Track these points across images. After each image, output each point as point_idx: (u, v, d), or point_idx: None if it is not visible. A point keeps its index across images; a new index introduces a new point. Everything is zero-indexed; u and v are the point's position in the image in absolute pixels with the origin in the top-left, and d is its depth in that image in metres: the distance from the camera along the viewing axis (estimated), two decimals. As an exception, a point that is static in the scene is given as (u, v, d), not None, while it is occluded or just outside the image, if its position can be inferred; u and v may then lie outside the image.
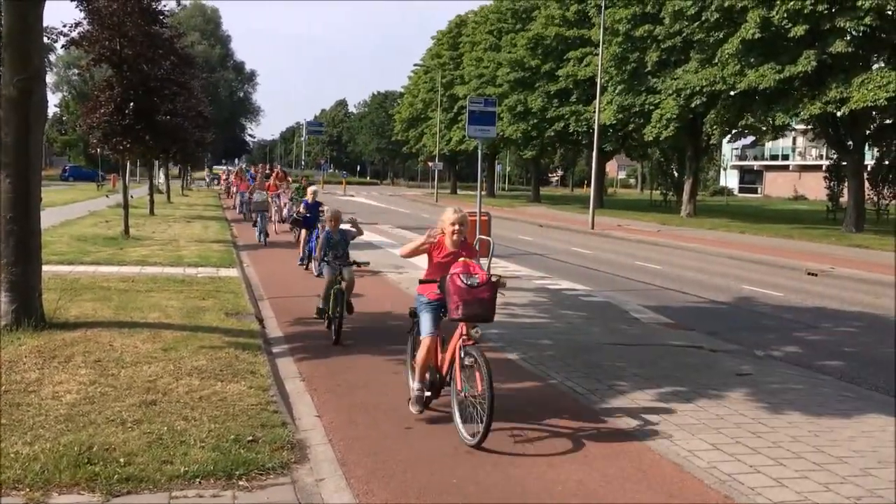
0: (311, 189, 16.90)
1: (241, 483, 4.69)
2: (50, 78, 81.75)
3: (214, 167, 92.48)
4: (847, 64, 28.15)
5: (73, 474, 4.59)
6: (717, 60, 31.34)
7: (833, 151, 39.24)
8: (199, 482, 4.66)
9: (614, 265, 18.73)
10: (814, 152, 70.15)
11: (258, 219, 20.20)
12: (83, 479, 4.56)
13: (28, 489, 4.41)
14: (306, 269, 15.06)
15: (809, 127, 36.52)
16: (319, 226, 14.15)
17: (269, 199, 22.90)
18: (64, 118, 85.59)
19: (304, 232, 15.85)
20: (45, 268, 9.08)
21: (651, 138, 37.91)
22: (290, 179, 29.92)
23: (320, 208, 15.76)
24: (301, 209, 16.54)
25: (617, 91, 39.04)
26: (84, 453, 4.88)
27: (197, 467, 4.79)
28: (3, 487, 4.41)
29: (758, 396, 7.23)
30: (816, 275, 18.08)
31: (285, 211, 23.73)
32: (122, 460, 4.82)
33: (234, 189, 36.39)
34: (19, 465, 4.65)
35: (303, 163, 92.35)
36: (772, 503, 4.79)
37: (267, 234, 19.91)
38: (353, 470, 5.05)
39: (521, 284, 14.23)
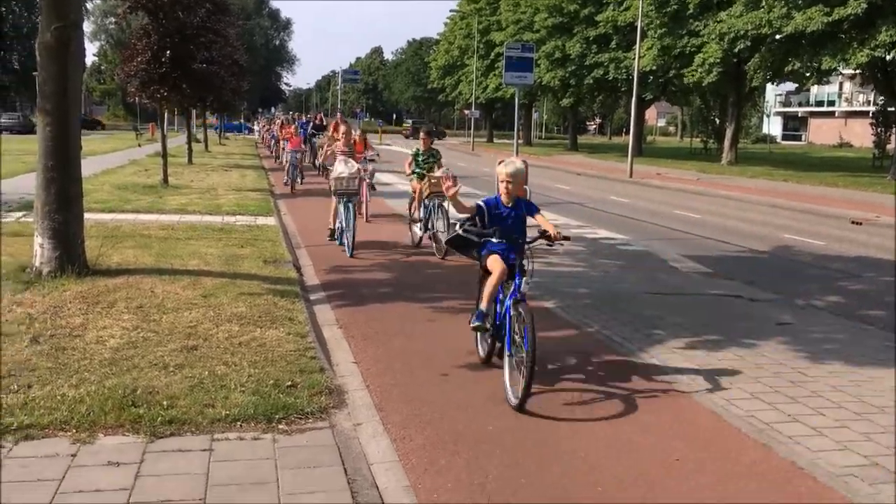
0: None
1: (280, 427, 4.77)
2: (87, 27, 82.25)
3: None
4: (899, 5, 27.13)
5: (117, 416, 4.70)
6: (762, 3, 30.36)
7: (881, 97, 38.07)
8: (240, 425, 4.74)
9: (653, 214, 18.51)
10: (860, 98, 68.14)
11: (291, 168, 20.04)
12: (127, 420, 4.67)
13: (75, 430, 4.53)
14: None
15: (857, 72, 35.43)
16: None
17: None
18: (102, 67, 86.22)
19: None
20: (86, 215, 9.20)
21: (692, 82, 37.08)
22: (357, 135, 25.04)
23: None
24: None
25: (658, 35, 38.13)
26: (128, 396, 4.99)
27: (237, 411, 4.88)
28: (51, 427, 4.54)
29: (798, 346, 7.14)
30: (860, 223, 17.70)
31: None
32: (164, 403, 4.92)
33: (281, 144, 28.68)
34: (66, 407, 4.77)
35: (339, 112, 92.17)
36: (811, 451, 4.75)
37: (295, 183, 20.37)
38: (390, 416, 5.11)
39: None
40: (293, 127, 25.72)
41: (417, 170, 11.86)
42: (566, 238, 5.83)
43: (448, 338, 7.00)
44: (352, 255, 10.84)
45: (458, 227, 5.97)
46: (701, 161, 41.71)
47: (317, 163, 23.60)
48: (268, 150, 39.10)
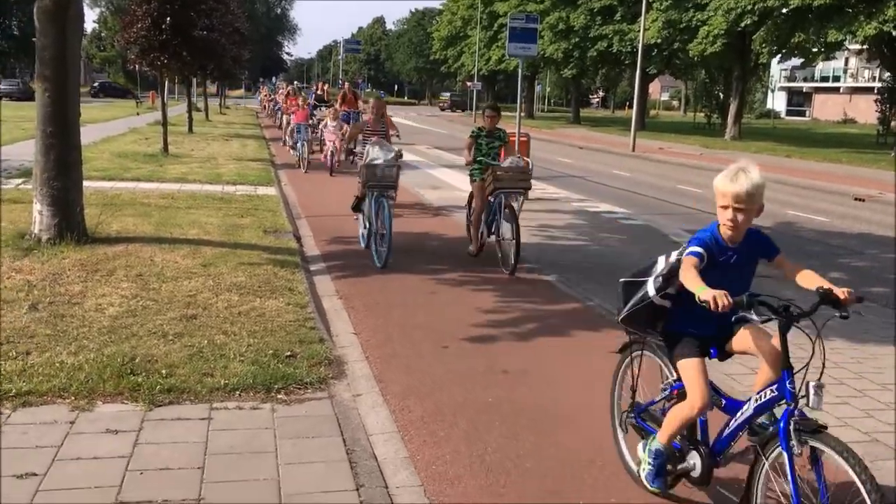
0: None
1: (279, 396, 4.76)
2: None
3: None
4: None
5: (116, 384, 4.69)
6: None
7: (887, 73, 37.78)
8: (239, 394, 4.73)
9: (655, 188, 18.43)
10: (866, 74, 67.61)
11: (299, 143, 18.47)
12: (126, 388, 4.65)
13: (73, 397, 4.52)
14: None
15: (864, 47, 35.11)
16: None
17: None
18: (102, 34, 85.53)
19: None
20: (86, 183, 9.16)
21: (696, 54, 36.77)
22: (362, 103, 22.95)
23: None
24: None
25: (663, 8, 37.76)
26: (127, 364, 4.97)
27: (237, 380, 4.87)
28: (49, 395, 4.53)
29: (800, 322, 7.10)
30: (864, 200, 17.63)
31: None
32: (163, 372, 4.91)
33: (283, 116, 26.88)
34: (65, 375, 4.76)
35: (340, 81, 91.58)
36: (811, 428, 4.73)
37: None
38: (390, 386, 5.09)
39: (560, 206, 14.08)
40: (299, 98, 22.55)
41: (481, 158, 9.01)
42: (860, 300, 3.39)
43: (449, 310, 6.98)
44: (384, 267, 8.42)
45: (650, 286, 3.61)
46: (704, 136, 41.49)
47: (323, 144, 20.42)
48: (269, 121, 38.81)
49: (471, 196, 9.39)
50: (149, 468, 3.81)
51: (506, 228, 8.73)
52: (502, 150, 9.27)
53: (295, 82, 44.12)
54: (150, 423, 4.28)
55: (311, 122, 19.82)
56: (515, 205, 8.76)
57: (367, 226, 9.11)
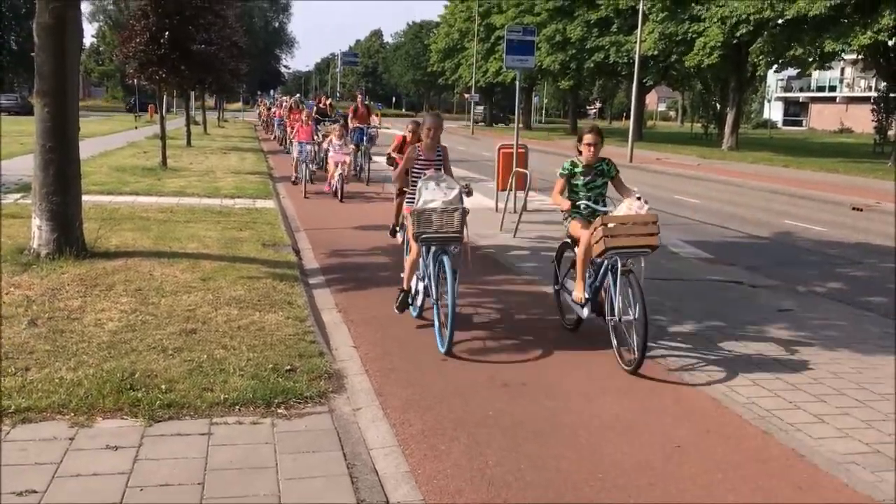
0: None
1: (279, 411, 4.75)
2: (85, 7, 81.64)
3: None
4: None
5: (116, 399, 4.68)
6: (765, -14, 30.17)
7: (883, 83, 37.91)
8: (239, 409, 4.72)
9: (653, 199, 18.30)
10: (862, 83, 67.84)
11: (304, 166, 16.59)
12: (126, 404, 4.64)
13: (73, 413, 4.51)
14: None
15: (859, 57, 35.27)
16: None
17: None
18: (101, 48, 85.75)
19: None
20: (85, 197, 9.15)
21: (693, 65, 36.91)
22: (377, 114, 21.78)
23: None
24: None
25: (659, 19, 37.91)
26: (126, 379, 4.96)
27: (236, 395, 4.86)
28: (48, 411, 4.51)
29: (799, 332, 7.12)
30: (861, 209, 17.65)
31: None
32: (163, 387, 4.90)
33: (286, 131, 25.16)
34: (64, 391, 4.74)
35: (338, 94, 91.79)
36: (812, 439, 4.73)
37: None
38: (390, 400, 5.08)
39: (558, 218, 14.05)
40: (303, 113, 19.55)
41: (583, 203, 6.61)
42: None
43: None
44: (448, 352, 6.06)
45: None
46: (701, 146, 41.56)
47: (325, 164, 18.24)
48: (266, 133, 38.68)
49: (562, 248, 7.19)
50: (149, 484, 3.80)
51: (624, 302, 6.03)
52: (618, 190, 6.75)
53: (297, 95, 37.25)
54: (150, 439, 4.27)
55: (315, 139, 17.85)
56: (635, 269, 6.07)
57: (419, 287, 6.95)
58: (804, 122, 78.04)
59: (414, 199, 6.56)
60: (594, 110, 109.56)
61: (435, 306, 6.44)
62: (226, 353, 5.61)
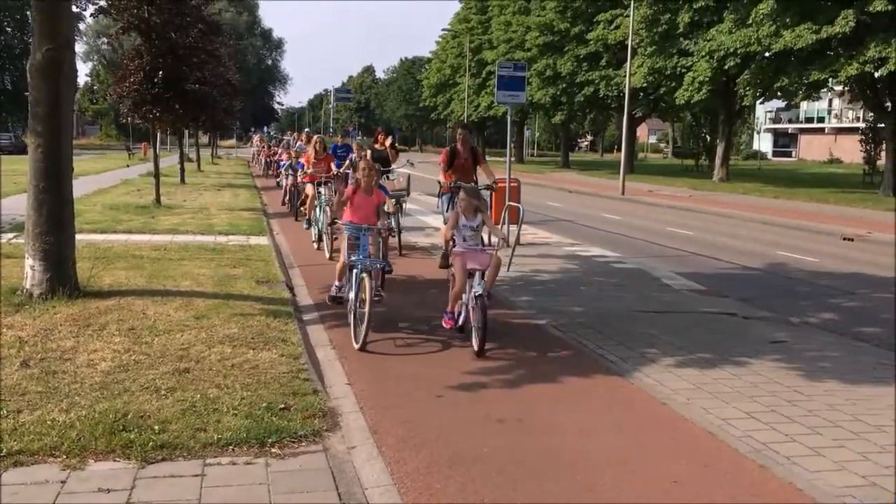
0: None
1: (273, 451, 4.72)
2: (80, 47, 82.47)
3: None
4: (887, 22, 27.33)
5: (108, 441, 4.64)
6: (751, 21, 30.60)
7: (870, 113, 38.33)
8: (232, 449, 4.69)
9: (645, 231, 18.53)
10: (850, 114, 68.55)
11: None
12: (118, 445, 4.61)
13: (65, 456, 4.47)
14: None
15: (846, 88, 35.70)
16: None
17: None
18: (95, 87, 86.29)
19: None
20: (78, 236, 9.15)
21: (683, 102, 37.33)
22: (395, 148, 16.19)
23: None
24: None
25: (648, 53, 38.39)
26: (119, 421, 4.93)
27: (230, 435, 4.83)
28: (40, 454, 4.48)
29: (793, 364, 7.12)
30: (853, 240, 17.75)
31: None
32: (156, 428, 4.87)
33: (286, 171, 20.92)
34: (56, 433, 4.71)
35: (331, 130, 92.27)
36: (808, 472, 4.72)
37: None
38: (385, 438, 5.06)
39: (551, 251, 14.13)
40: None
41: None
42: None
43: (443, 359, 6.96)
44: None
45: None
46: (692, 178, 41.83)
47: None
48: (258, 168, 38.63)
49: None
50: (142, 528, 3.76)
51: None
52: None
53: (311, 134, 21.96)
54: (143, 481, 4.24)
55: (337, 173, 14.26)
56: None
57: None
58: (793, 153, 78.73)
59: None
60: (585, 143, 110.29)
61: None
62: (219, 393, 5.58)
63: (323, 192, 13.68)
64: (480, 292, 6.98)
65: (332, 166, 15.03)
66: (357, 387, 6.12)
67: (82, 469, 4.36)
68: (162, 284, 9.38)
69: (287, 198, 20.08)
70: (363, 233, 7.73)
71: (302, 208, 16.57)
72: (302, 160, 16.56)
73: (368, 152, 13.73)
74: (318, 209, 12.45)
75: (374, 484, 4.40)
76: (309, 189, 14.64)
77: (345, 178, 13.81)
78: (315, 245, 13.81)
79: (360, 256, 7.66)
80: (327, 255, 12.40)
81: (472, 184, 9.26)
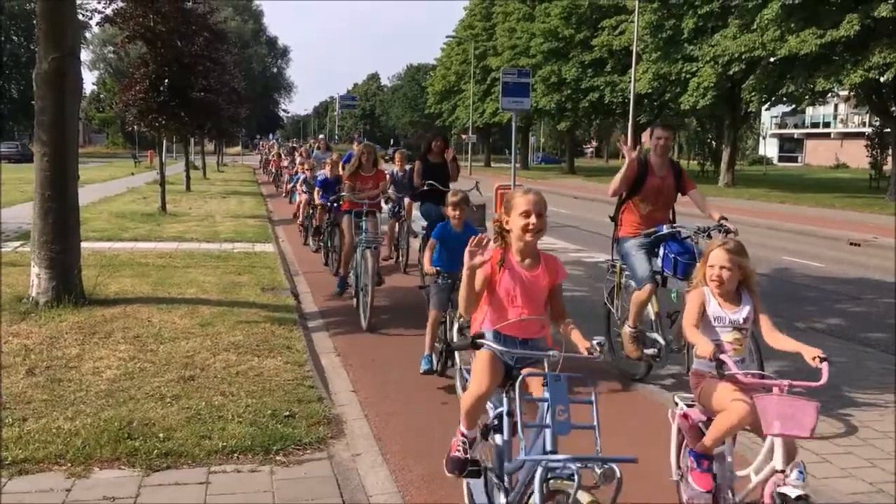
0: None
1: (278, 458, 4.72)
2: (86, 56, 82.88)
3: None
4: (892, 28, 27.31)
5: (113, 449, 4.65)
6: (756, 26, 30.60)
7: (876, 118, 38.26)
8: (237, 457, 4.69)
9: (651, 237, 18.45)
10: (856, 119, 68.48)
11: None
12: (123, 453, 4.61)
13: (70, 464, 4.48)
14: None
15: (852, 93, 35.65)
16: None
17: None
18: (101, 96, 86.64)
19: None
20: (84, 244, 9.19)
21: (688, 107, 37.32)
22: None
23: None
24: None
25: (653, 59, 38.41)
26: (124, 428, 4.94)
27: (235, 442, 4.83)
28: (45, 462, 4.48)
29: (798, 369, 7.07)
30: (859, 245, 17.69)
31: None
32: (161, 435, 4.87)
33: (300, 186, 16.17)
34: (61, 440, 4.72)
35: (336, 137, 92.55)
36: (815, 479, 4.69)
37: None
38: (389, 445, 5.05)
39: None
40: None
41: None
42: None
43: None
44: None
45: None
46: (698, 183, 41.60)
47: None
48: (266, 177, 38.71)
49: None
50: (146, 536, 3.76)
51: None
52: None
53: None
54: (148, 489, 4.24)
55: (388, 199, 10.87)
56: None
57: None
58: (799, 158, 78.60)
59: None
60: (590, 149, 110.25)
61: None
62: (224, 400, 5.58)
63: (365, 227, 8.96)
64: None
65: (389, 189, 10.96)
66: (362, 394, 6.12)
67: (87, 477, 4.36)
68: (167, 292, 9.40)
69: (302, 219, 15.63)
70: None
71: (316, 238, 13.48)
72: (323, 173, 12.58)
73: (418, 163, 10.43)
74: (356, 253, 8.61)
75: (379, 491, 4.40)
76: (345, 226, 9.69)
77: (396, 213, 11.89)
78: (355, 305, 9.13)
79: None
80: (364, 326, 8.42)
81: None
